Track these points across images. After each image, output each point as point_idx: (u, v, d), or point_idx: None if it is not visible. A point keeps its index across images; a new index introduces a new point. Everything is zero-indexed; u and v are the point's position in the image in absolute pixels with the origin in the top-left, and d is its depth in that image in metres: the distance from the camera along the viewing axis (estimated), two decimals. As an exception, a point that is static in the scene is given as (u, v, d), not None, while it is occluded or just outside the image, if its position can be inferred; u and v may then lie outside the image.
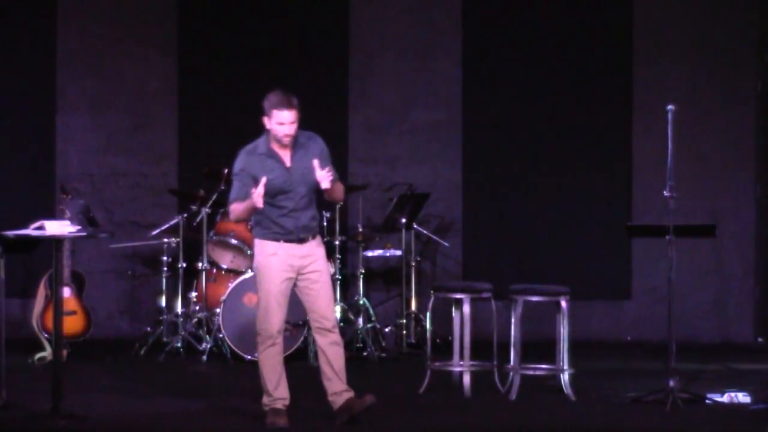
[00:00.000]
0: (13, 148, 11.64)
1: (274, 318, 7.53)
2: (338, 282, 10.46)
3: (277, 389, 7.57)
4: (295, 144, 7.57)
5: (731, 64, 11.79)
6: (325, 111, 11.64)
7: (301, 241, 7.55)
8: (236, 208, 7.52)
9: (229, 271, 10.58)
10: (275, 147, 7.55)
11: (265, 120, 7.55)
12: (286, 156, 7.55)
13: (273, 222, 7.53)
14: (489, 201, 11.87)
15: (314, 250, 7.59)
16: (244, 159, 7.58)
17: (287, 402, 7.60)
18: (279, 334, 7.57)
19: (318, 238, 7.66)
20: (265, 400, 7.60)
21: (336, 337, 7.61)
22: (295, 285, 7.61)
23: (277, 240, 7.53)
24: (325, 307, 7.59)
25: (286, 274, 7.54)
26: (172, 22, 11.77)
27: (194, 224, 10.63)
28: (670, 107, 8.46)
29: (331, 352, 7.58)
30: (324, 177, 7.42)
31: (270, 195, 7.47)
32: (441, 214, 11.66)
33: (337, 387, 7.59)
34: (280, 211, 7.51)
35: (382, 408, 7.71)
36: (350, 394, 7.59)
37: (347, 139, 11.80)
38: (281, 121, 7.47)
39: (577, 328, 9.15)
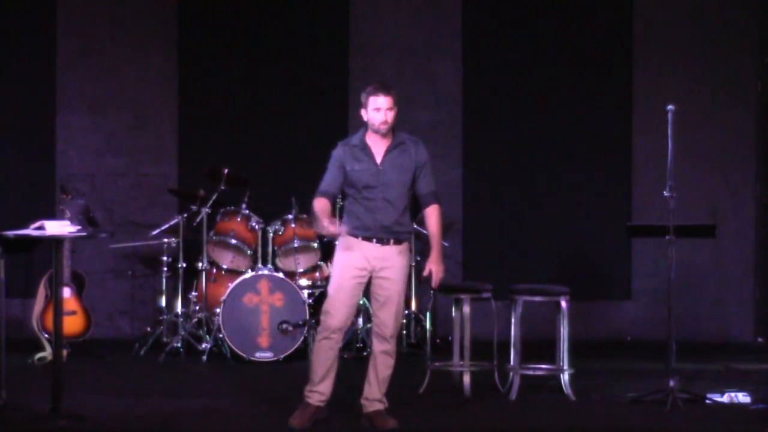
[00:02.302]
0: (13, 148, 11.64)
1: (336, 313, 7.49)
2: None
3: (321, 383, 7.53)
4: (395, 142, 7.54)
5: (731, 64, 11.80)
6: (325, 111, 11.65)
7: (380, 241, 7.48)
8: (316, 210, 7.43)
9: (229, 271, 10.58)
10: (370, 141, 7.51)
11: (362, 112, 7.53)
12: (380, 152, 7.50)
13: (355, 216, 7.49)
14: (489, 201, 11.87)
15: (392, 257, 7.50)
16: (338, 149, 7.55)
17: (324, 398, 7.55)
18: (339, 331, 7.51)
19: (402, 247, 7.53)
20: (307, 387, 7.57)
21: (390, 347, 7.57)
22: (368, 284, 7.60)
23: (356, 236, 7.48)
24: (388, 317, 7.53)
25: (358, 272, 7.49)
26: (172, 22, 11.77)
27: (194, 224, 10.63)
28: (670, 107, 8.46)
29: (380, 360, 7.58)
30: (434, 280, 7.57)
31: (356, 188, 7.47)
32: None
33: (372, 394, 7.60)
34: (361, 205, 7.47)
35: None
36: (382, 405, 7.60)
37: (347, 139, 11.79)
38: (378, 107, 7.44)
39: (577, 328, 9.14)
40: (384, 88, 7.47)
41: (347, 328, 7.65)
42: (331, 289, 7.56)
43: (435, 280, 7.58)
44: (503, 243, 11.82)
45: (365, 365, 7.70)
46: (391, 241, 7.51)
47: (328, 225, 7.29)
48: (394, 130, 7.59)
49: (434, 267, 7.53)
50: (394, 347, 7.62)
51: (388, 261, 7.50)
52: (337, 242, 7.63)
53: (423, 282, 7.97)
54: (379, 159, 7.50)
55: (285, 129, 11.73)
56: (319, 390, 7.54)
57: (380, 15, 11.86)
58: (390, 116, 7.47)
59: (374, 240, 7.49)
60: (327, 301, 7.56)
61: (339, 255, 7.56)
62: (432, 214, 7.60)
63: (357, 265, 7.49)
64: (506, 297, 8.86)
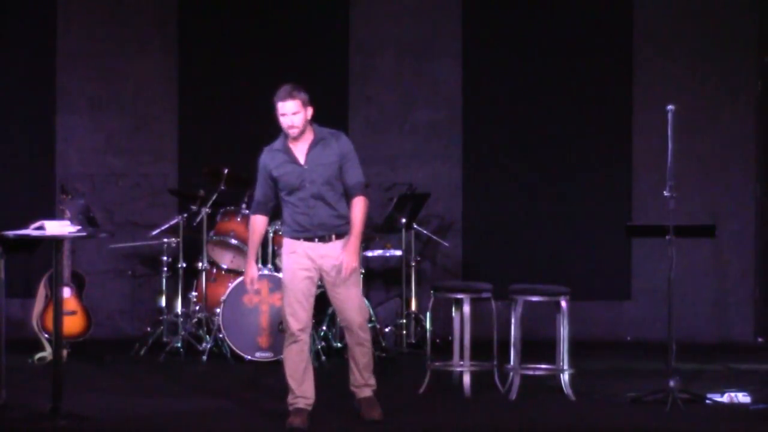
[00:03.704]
0: (13, 148, 11.64)
1: (294, 316, 7.53)
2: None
3: (300, 387, 7.57)
4: (315, 140, 7.59)
5: (731, 64, 11.79)
6: (325, 111, 11.61)
7: (321, 239, 7.54)
8: (249, 231, 7.75)
9: (229, 271, 10.58)
10: (292, 143, 7.58)
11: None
12: (302, 152, 7.57)
13: (292, 219, 7.57)
14: (489, 201, 11.87)
15: (336, 251, 7.56)
16: (264, 156, 7.67)
17: (310, 401, 7.59)
18: (301, 333, 7.55)
19: (344, 240, 7.61)
20: (289, 398, 7.60)
21: (361, 337, 7.64)
22: (322, 285, 7.64)
23: (297, 238, 7.56)
24: (350, 309, 7.60)
25: (306, 273, 7.54)
26: (172, 22, 11.77)
27: (194, 224, 10.63)
28: (670, 107, 8.46)
29: (355, 351, 7.70)
30: (344, 269, 7.56)
31: (285, 191, 7.55)
32: (441, 214, 11.66)
33: (358, 381, 7.75)
34: (295, 208, 7.55)
35: (383, 408, 7.72)
36: (370, 390, 7.72)
37: (347, 139, 11.79)
38: (283, 113, 7.51)
39: (577, 328, 9.14)
40: (286, 93, 7.50)
41: (310, 326, 7.69)
42: (285, 294, 7.59)
43: (344, 270, 7.55)
44: (503, 243, 11.82)
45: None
46: (333, 236, 7.58)
47: (248, 283, 7.68)
48: (314, 126, 7.64)
49: (345, 257, 7.53)
50: (366, 336, 7.69)
51: (334, 257, 7.55)
52: (282, 247, 7.72)
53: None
54: (302, 159, 7.57)
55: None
56: (303, 394, 7.57)
57: (380, 15, 11.86)
58: (296, 120, 7.51)
59: (316, 239, 7.55)
60: (284, 307, 7.59)
61: (285, 259, 7.64)
62: (356, 205, 7.64)
63: (303, 266, 7.55)
64: (506, 297, 8.86)
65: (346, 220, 7.62)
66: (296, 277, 7.54)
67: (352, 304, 7.62)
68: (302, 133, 7.56)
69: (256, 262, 10.20)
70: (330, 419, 7.74)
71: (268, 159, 7.61)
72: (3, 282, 7.92)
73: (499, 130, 11.86)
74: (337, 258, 7.54)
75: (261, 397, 8.58)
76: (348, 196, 7.66)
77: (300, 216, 7.54)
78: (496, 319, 8.82)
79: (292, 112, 7.50)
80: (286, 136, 7.59)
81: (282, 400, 7.86)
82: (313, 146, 7.59)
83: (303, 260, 7.55)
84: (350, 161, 7.66)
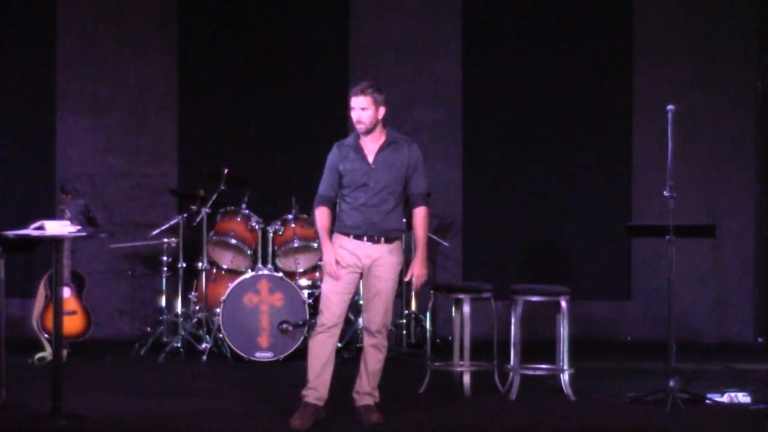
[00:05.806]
0: (13, 148, 11.64)
1: (328, 309, 7.56)
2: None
3: (317, 379, 7.56)
4: (387, 141, 7.60)
5: (731, 64, 11.79)
6: (325, 111, 11.64)
7: (371, 239, 7.56)
8: (317, 222, 7.62)
9: (229, 271, 10.58)
10: (363, 140, 7.59)
11: None
12: (372, 151, 7.58)
13: (346, 215, 7.58)
14: (489, 201, 11.87)
15: (383, 255, 7.58)
16: (333, 150, 7.66)
17: (321, 396, 7.58)
18: (334, 327, 7.57)
19: (394, 245, 7.62)
20: (303, 389, 7.60)
21: (378, 341, 7.64)
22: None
23: (347, 235, 7.57)
24: (376, 312, 7.60)
25: (350, 269, 7.57)
26: (172, 22, 11.77)
27: (194, 224, 10.63)
28: (670, 107, 8.46)
29: (368, 354, 7.67)
30: (414, 282, 7.67)
31: (349, 187, 7.55)
32: (441, 214, 11.66)
33: (363, 387, 7.69)
34: (353, 203, 7.55)
35: (383, 408, 7.72)
36: (371, 399, 7.68)
37: (347, 139, 11.78)
38: (353, 107, 7.53)
39: (577, 328, 9.14)
40: (360, 89, 7.54)
41: (342, 324, 7.69)
42: (325, 286, 7.63)
43: (415, 284, 7.67)
44: (503, 243, 11.82)
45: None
46: (382, 239, 7.58)
47: (331, 266, 7.50)
48: (387, 128, 7.66)
49: (416, 271, 7.63)
50: (384, 342, 7.68)
51: (379, 259, 7.58)
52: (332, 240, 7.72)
53: (409, 284, 7.96)
54: (371, 158, 7.58)
55: (285, 129, 11.73)
56: (316, 387, 7.56)
57: (380, 15, 11.86)
58: (364, 116, 7.52)
59: (365, 238, 7.56)
60: (321, 299, 7.65)
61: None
62: (418, 215, 7.69)
63: (348, 262, 7.57)
64: (506, 297, 8.86)
65: (398, 229, 7.64)
66: (339, 272, 7.56)
67: (381, 306, 7.61)
68: (370, 131, 7.57)
69: (264, 263, 10.30)
70: (329, 419, 7.73)
71: (338, 154, 7.60)
72: (3, 282, 7.92)
73: (499, 130, 11.86)
74: (408, 272, 7.62)
75: (260, 397, 8.58)
76: (410, 205, 7.69)
77: (355, 212, 7.54)
78: (496, 319, 8.82)
79: (360, 107, 7.51)
80: (358, 134, 7.60)
81: (282, 401, 7.87)
82: (383, 147, 7.59)
83: (349, 258, 7.56)
84: (418, 170, 7.65)
